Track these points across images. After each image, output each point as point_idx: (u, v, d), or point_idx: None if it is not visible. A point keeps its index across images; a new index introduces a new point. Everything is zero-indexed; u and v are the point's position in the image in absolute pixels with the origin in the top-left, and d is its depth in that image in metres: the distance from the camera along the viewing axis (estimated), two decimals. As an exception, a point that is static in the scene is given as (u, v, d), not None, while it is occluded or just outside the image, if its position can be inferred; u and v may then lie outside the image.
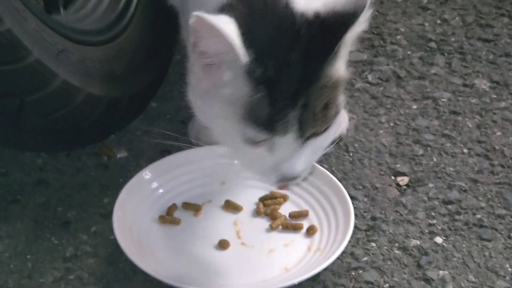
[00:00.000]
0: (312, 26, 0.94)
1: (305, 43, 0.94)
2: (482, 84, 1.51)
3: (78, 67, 1.22)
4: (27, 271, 1.18)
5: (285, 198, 1.26)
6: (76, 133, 1.29)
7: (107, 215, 1.23)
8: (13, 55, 1.10)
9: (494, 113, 1.44)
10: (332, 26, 0.94)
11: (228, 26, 0.91)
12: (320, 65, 0.96)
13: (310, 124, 0.98)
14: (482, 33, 1.64)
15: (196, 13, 0.91)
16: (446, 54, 1.59)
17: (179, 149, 1.32)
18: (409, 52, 1.61)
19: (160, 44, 1.46)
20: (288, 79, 0.95)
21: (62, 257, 1.20)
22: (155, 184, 1.26)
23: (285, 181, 1.03)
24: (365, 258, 1.19)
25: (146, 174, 1.25)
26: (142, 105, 1.44)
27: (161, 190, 1.26)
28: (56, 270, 1.18)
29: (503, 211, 1.26)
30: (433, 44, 1.62)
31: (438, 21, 1.69)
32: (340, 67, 1.00)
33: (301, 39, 0.94)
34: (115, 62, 1.32)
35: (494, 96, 1.48)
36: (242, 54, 0.92)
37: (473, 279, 1.15)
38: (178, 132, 1.41)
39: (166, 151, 1.36)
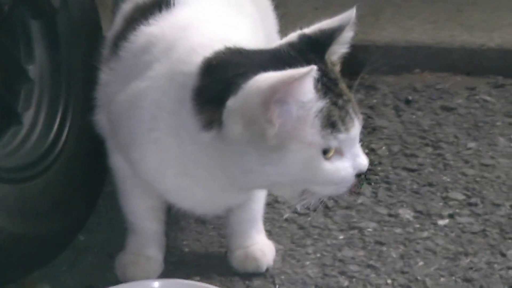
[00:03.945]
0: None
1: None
2: (406, 214, 1.55)
3: (0, 206, 1.21)
4: None
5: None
6: (-3, 271, 1.27)
7: None
8: None
9: (417, 243, 1.47)
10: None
11: (310, 69, 1.02)
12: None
13: (358, 110, 1.12)
14: (407, 163, 1.69)
15: (264, 75, 1.03)
16: (373, 183, 1.63)
17: (105, 284, 1.31)
18: (337, 182, 1.64)
19: (89, 176, 1.46)
20: (329, 80, 1.10)
21: None
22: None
23: (363, 174, 1.15)
24: None
25: (67, 314, 1.24)
26: (68, 239, 1.43)
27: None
28: None
29: None
30: (360, 173, 1.66)
31: (366, 151, 1.71)
32: None
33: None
34: (40, 199, 1.32)
35: (417, 225, 1.52)
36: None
37: None
38: (105, 266, 1.41)
39: (91, 287, 1.35)
